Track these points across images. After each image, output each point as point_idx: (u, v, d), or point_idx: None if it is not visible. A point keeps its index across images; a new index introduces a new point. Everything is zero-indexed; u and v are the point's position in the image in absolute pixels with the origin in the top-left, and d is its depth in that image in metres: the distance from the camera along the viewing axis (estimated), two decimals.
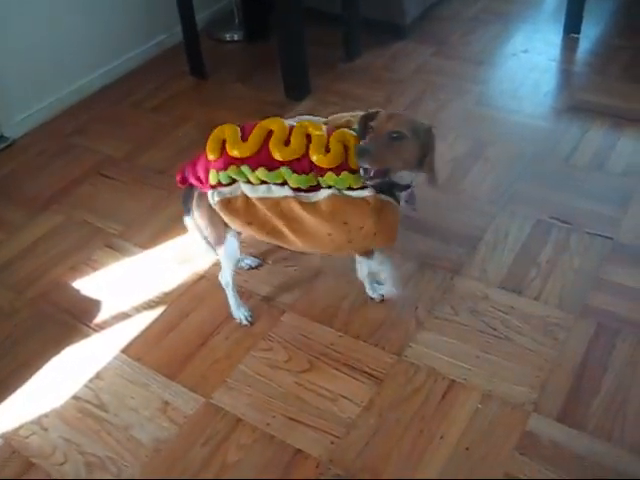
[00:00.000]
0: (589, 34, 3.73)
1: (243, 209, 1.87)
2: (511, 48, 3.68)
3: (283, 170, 1.82)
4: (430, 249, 2.40)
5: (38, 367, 2.13)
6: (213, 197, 1.90)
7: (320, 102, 3.32)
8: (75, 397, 2.03)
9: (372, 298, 2.22)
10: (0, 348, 2.20)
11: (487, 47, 3.71)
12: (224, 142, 1.86)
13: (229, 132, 1.87)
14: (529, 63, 3.52)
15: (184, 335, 2.17)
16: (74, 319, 2.27)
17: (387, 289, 2.23)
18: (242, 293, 2.27)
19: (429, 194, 2.58)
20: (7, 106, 3.24)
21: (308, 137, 1.83)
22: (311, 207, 1.83)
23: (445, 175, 2.75)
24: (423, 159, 1.79)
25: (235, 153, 1.83)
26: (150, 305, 2.29)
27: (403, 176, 1.84)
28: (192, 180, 1.96)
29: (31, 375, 2.11)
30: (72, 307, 2.32)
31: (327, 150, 1.80)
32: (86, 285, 2.40)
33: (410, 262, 2.35)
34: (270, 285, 2.31)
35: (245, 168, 1.83)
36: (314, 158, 1.80)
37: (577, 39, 3.70)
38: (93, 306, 2.31)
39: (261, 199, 1.85)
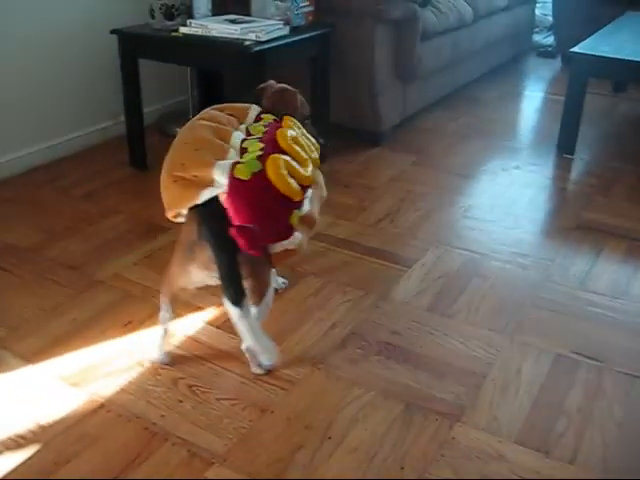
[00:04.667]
0: (583, 156, 3.35)
1: None
2: (499, 163, 3.25)
3: None
4: (419, 385, 1.78)
5: None
6: None
7: None
8: None
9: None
10: None
11: (472, 161, 3.28)
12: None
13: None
14: (522, 179, 3.07)
15: None
16: None
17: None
18: (155, 433, 1.59)
19: (416, 316, 2.04)
20: None
21: None
22: None
23: (433, 293, 2.18)
24: None
25: None
26: (18, 443, 1.57)
27: None
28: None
29: None
30: None
31: None
32: None
33: (393, 401, 1.72)
34: (194, 424, 1.63)
35: None
36: None
37: (571, 160, 3.31)
38: None
39: None
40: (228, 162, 1.56)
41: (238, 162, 1.56)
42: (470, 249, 2.45)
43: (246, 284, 1.61)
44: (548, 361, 1.87)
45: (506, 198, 2.89)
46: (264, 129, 1.69)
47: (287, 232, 1.60)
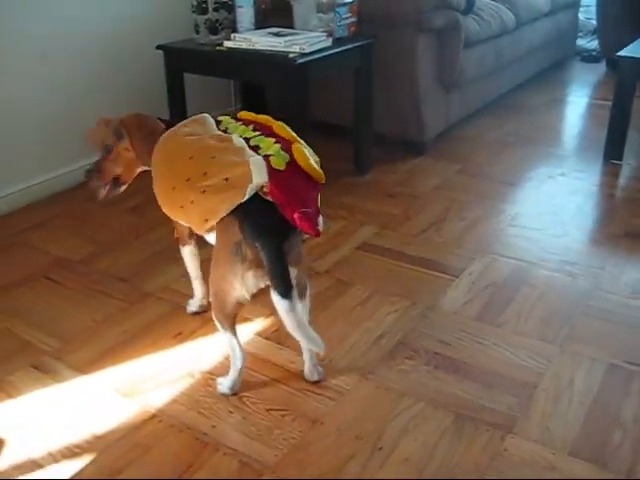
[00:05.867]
0: (631, 161, 3.29)
1: None
2: (545, 171, 3.21)
3: None
4: (469, 396, 1.76)
5: None
6: None
7: (326, 217, 2.79)
8: None
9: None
10: None
11: (517, 168, 3.25)
12: None
13: None
14: (569, 186, 3.03)
15: None
16: None
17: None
18: (206, 443, 1.61)
19: (465, 326, 2.02)
20: None
21: None
22: None
23: (482, 302, 2.16)
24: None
25: None
26: (72, 452, 1.61)
27: None
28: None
29: None
30: None
31: None
32: None
33: (443, 411, 1.71)
34: (245, 435, 1.64)
35: None
36: None
37: (619, 166, 3.25)
38: None
39: None
40: (259, 157, 1.58)
41: (267, 155, 1.59)
42: (518, 258, 2.43)
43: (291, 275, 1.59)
44: (601, 371, 1.84)
45: (553, 206, 2.85)
46: (251, 128, 1.72)
47: (319, 213, 1.65)
